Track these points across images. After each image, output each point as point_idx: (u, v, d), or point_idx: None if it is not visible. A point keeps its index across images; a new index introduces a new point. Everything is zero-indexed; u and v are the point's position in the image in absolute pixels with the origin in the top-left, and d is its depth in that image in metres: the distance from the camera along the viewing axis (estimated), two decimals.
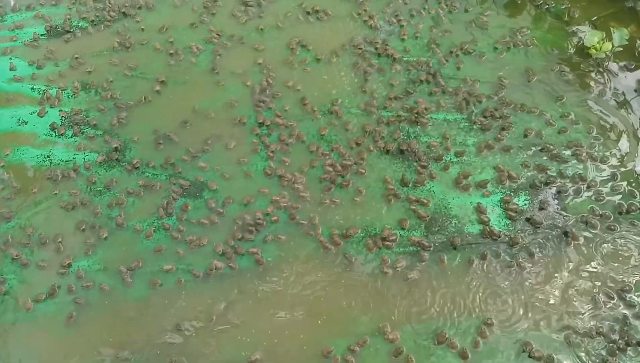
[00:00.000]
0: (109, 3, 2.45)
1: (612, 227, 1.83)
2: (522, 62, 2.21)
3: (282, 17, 2.38)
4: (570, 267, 1.77)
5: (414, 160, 1.99)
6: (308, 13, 2.38)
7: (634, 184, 1.91)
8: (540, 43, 2.27)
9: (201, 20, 2.37)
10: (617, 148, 1.99)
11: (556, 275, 1.76)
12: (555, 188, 1.91)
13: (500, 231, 1.83)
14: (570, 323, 1.68)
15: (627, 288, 1.72)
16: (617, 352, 1.63)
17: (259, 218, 1.86)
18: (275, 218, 1.87)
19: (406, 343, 1.67)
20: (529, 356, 1.63)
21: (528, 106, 2.08)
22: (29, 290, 1.78)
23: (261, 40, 2.31)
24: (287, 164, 1.98)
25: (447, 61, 2.22)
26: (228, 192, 1.93)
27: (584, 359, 1.63)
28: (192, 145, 2.04)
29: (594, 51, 2.18)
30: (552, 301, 1.72)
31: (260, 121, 2.07)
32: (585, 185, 1.91)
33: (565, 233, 1.82)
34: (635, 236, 1.82)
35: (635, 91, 2.12)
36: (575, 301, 1.72)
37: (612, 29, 2.25)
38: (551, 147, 1.98)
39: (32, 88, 2.21)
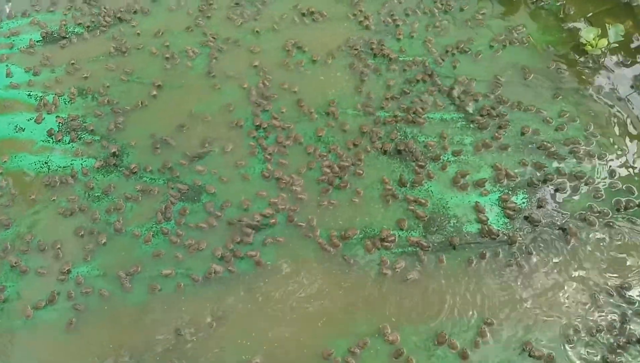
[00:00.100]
0: (105, 8, 2.45)
1: (611, 224, 1.83)
2: (518, 60, 2.21)
3: (278, 19, 2.37)
4: (569, 265, 1.77)
5: (411, 160, 1.98)
6: (303, 15, 2.38)
7: (631, 181, 1.91)
8: (536, 40, 2.26)
9: (197, 24, 2.37)
10: (615, 144, 1.99)
11: (555, 272, 1.76)
12: (553, 186, 1.91)
13: (499, 230, 1.83)
14: (570, 322, 1.68)
15: (627, 285, 1.72)
16: (617, 349, 1.63)
17: (257, 220, 1.86)
18: (274, 220, 1.87)
19: (406, 344, 1.66)
20: (529, 355, 1.63)
21: (525, 104, 2.08)
22: (28, 297, 1.78)
23: (257, 42, 2.31)
24: (284, 166, 1.98)
25: (443, 60, 2.21)
26: (226, 195, 1.93)
27: (585, 357, 1.63)
28: (189, 149, 2.04)
29: (589, 47, 2.18)
30: (551, 300, 1.71)
31: (257, 124, 2.07)
32: (583, 182, 1.91)
33: (564, 230, 1.82)
34: (633, 233, 1.81)
35: (632, 87, 2.12)
36: (574, 300, 1.71)
37: (607, 25, 2.25)
38: (548, 144, 1.98)
39: (29, 95, 2.22)
